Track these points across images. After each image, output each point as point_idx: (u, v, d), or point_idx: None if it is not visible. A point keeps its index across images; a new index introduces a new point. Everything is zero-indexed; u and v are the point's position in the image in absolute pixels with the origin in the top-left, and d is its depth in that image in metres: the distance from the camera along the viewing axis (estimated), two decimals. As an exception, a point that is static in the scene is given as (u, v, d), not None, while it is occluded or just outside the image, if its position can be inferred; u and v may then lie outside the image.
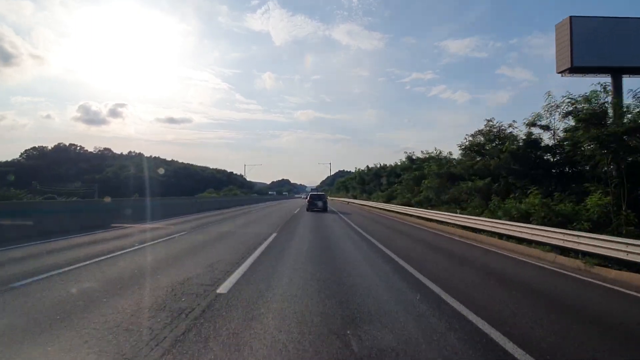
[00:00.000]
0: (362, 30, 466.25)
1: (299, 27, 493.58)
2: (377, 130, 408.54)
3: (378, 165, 42.32)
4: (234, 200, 41.61)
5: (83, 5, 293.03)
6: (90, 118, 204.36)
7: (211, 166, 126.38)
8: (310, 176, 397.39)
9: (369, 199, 35.53)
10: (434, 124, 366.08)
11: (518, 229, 10.09)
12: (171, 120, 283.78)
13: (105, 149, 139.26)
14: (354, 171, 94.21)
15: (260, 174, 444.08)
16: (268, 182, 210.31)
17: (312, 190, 66.78)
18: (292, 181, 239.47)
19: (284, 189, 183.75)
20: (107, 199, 16.21)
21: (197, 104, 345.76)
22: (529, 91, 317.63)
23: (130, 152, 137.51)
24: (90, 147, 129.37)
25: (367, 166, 46.18)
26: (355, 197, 45.52)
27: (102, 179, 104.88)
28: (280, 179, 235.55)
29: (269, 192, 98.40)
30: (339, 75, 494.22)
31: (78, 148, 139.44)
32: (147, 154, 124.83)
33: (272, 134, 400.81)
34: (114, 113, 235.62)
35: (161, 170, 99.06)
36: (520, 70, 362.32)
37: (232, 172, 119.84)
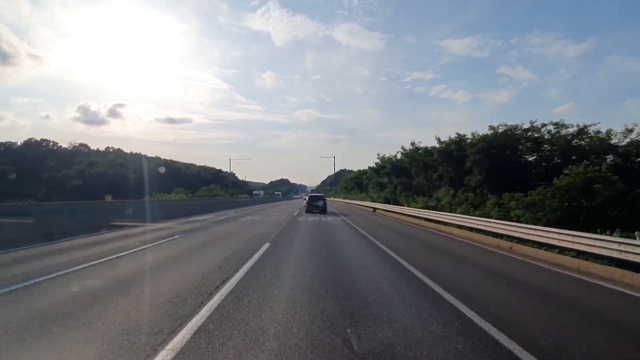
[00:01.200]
0: (363, 30, 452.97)
1: (299, 27, 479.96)
2: (378, 129, 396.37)
3: (450, 138, 21.17)
4: (198, 205, 27.31)
5: (83, 5, 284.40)
6: (90, 118, 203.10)
7: (207, 164, 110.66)
8: (311, 176, 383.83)
9: (431, 208, 17.35)
10: (434, 123, 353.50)
11: None
12: (171, 121, 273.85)
13: (81, 144, 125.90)
14: (355, 170, 74.68)
15: (258, 174, 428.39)
16: (267, 182, 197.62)
17: (312, 190, 63.24)
18: (291, 181, 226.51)
19: (282, 189, 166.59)
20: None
21: (197, 104, 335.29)
22: (529, 90, 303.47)
23: (107, 147, 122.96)
24: (64, 143, 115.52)
25: (414, 145, 25.15)
26: (389, 201, 25.82)
27: (65, 178, 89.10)
28: (279, 178, 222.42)
29: (254, 193, 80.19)
30: (340, 75, 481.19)
31: (51, 144, 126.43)
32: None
33: (272, 134, 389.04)
34: (113, 113, 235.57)
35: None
36: (521, 70, 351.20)
37: (220, 170, 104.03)
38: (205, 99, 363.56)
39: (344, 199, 52.45)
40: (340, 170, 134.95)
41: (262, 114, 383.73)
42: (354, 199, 41.83)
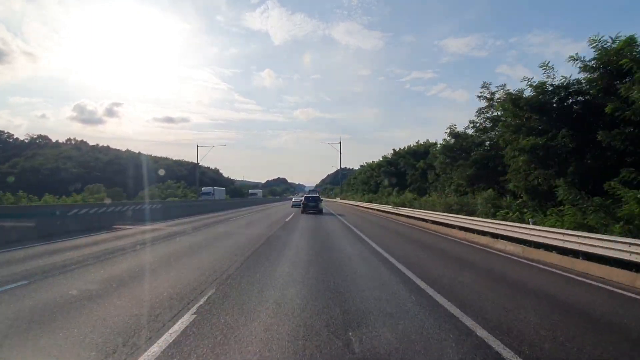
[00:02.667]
0: (362, 29, 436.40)
1: (298, 25, 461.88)
2: (377, 129, 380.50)
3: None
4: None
5: (81, 4, 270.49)
6: (86, 117, 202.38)
7: (203, 164, 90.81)
8: (310, 175, 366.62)
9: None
10: (434, 122, 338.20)
11: None
12: (169, 120, 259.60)
13: (40, 136, 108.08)
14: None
15: (256, 173, 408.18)
16: (263, 181, 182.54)
17: (311, 190, 61.09)
18: (289, 180, 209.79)
19: (278, 188, 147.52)
20: None
21: (195, 103, 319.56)
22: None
23: (68, 139, 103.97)
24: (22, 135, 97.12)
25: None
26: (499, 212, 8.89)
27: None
28: (275, 177, 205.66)
29: (203, 191, 49.30)
30: (339, 75, 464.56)
31: (5, 135, 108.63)
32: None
33: (271, 134, 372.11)
34: (110, 112, 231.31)
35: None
36: (520, 69, 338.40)
37: (199, 165, 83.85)
38: (203, 98, 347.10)
39: (369, 201, 30.50)
40: (341, 168, 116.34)
41: (260, 113, 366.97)
42: (382, 206, 21.45)
